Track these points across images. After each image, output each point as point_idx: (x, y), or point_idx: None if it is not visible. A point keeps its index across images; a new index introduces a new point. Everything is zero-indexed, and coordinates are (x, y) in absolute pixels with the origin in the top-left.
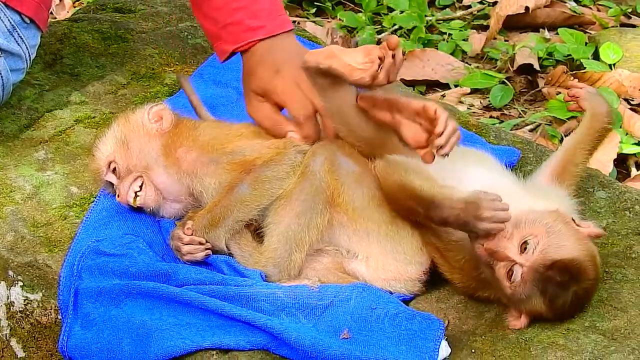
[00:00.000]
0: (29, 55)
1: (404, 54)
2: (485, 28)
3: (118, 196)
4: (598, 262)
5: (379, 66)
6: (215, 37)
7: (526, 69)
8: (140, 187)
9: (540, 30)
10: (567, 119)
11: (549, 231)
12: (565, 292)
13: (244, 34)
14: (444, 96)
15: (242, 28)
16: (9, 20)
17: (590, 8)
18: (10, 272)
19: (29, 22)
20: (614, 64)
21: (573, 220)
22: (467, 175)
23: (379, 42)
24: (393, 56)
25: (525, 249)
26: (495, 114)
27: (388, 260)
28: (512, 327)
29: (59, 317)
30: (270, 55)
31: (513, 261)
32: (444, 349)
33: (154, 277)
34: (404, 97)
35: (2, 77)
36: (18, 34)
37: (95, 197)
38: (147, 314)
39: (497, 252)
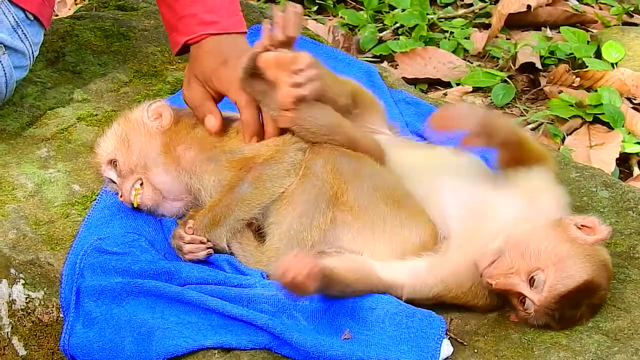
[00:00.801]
0: (33, 53)
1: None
2: (487, 26)
3: (121, 196)
4: (610, 266)
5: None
6: (171, 29)
7: (528, 67)
8: (140, 186)
9: (542, 28)
10: (569, 117)
11: (556, 262)
12: (579, 309)
13: (197, 26)
14: (446, 95)
15: (196, 21)
16: (13, 16)
17: (593, 6)
18: (12, 270)
19: (32, 19)
20: (616, 63)
21: (579, 226)
22: (446, 189)
23: (380, 41)
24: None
25: (534, 281)
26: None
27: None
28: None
29: (61, 315)
30: (219, 48)
31: (524, 296)
32: (446, 347)
33: (157, 276)
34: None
35: (5, 74)
36: (22, 31)
37: (97, 195)
38: (149, 313)
39: (508, 291)
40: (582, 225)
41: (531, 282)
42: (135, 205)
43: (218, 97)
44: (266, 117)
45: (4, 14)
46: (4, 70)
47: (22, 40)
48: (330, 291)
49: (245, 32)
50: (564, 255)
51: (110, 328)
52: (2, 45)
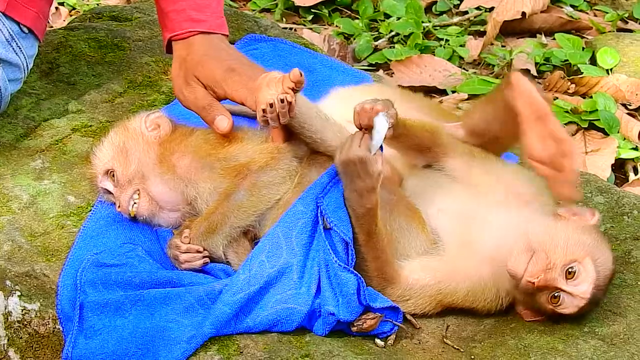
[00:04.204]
0: (27, 65)
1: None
2: (482, 34)
3: (119, 206)
4: None
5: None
6: (162, 25)
7: (523, 74)
8: (138, 196)
9: (537, 35)
10: (565, 124)
11: (589, 252)
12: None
13: (185, 22)
14: (442, 102)
15: (184, 17)
16: (7, 30)
17: (587, 13)
18: (8, 282)
19: (27, 31)
20: (611, 69)
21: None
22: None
23: (376, 49)
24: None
25: (571, 273)
26: None
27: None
28: (531, 320)
29: (57, 326)
30: (215, 51)
31: (562, 290)
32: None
33: (158, 285)
34: (554, 115)
35: (0, 87)
36: (16, 44)
37: (93, 206)
38: (151, 321)
39: (547, 287)
40: (573, 215)
41: (567, 275)
42: (132, 216)
43: (220, 100)
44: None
45: None
46: None
47: (16, 53)
48: None
49: (227, 36)
50: (590, 243)
51: (113, 340)
52: None
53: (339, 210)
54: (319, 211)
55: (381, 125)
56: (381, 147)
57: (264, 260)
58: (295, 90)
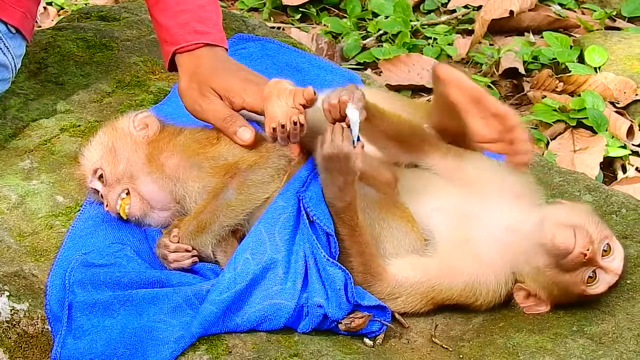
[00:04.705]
0: (15, 65)
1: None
2: (470, 32)
3: (106, 205)
4: None
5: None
6: (162, 40)
7: (511, 72)
8: (127, 195)
9: (525, 34)
10: (553, 122)
11: (610, 232)
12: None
13: (189, 35)
14: (430, 101)
15: (188, 30)
16: None
17: (575, 11)
18: None
19: (14, 32)
20: (599, 67)
21: None
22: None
23: (364, 48)
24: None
25: (607, 251)
26: None
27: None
28: (534, 312)
29: (46, 326)
30: (224, 63)
31: (599, 266)
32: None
33: (147, 285)
34: (489, 94)
35: None
36: (4, 44)
37: (81, 206)
38: (139, 321)
39: (592, 260)
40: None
41: (602, 251)
42: (123, 216)
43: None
44: None
45: None
46: None
47: (4, 54)
48: None
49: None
50: (602, 222)
51: (102, 340)
52: None
53: (321, 203)
54: (302, 205)
55: (353, 115)
56: (359, 138)
57: (248, 257)
58: (305, 107)
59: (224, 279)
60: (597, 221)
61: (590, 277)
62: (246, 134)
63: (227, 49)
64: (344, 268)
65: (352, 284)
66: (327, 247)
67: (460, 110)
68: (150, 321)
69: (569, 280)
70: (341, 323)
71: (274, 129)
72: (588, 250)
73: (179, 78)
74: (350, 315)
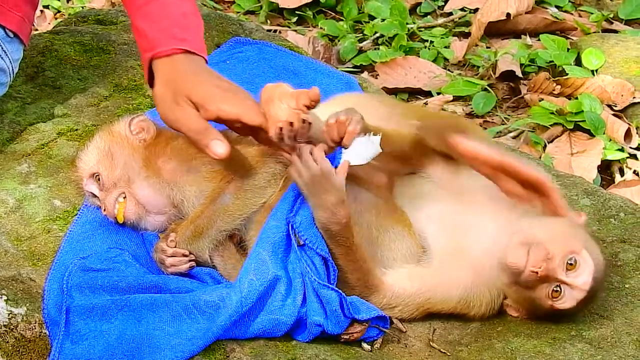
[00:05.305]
0: (13, 69)
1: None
2: (467, 35)
3: (104, 209)
4: None
5: (288, 129)
6: (142, 48)
7: (508, 75)
8: (124, 199)
9: (522, 36)
10: (550, 125)
11: (586, 245)
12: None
13: (169, 40)
14: (427, 104)
15: (167, 35)
16: None
17: (572, 14)
18: None
19: (12, 36)
20: (596, 70)
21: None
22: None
23: (360, 51)
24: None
25: (572, 264)
26: (478, 121)
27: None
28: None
29: (43, 331)
30: (203, 71)
31: (562, 282)
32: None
33: (145, 290)
34: (516, 160)
35: None
36: (2, 48)
37: (79, 210)
38: (137, 327)
39: (548, 277)
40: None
41: (567, 266)
42: (119, 220)
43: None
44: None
45: None
46: None
47: (2, 58)
48: None
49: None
50: (584, 238)
51: (99, 345)
52: None
53: (312, 227)
54: (291, 229)
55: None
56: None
57: (252, 279)
58: (309, 108)
59: (231, 302)
60: (569, 234)
61: (555, 291)
62: (219, 147)
63: (206, 60)
64: (338, 290)
65: (347, 301)
66: (323, 269)
67: (489, 176)
68: (149, 328)
69: (535, 296)
70: (341, 337)
71: (281, 128)
72: (540, 268)
73: (154, 84)
74: (349, 329)
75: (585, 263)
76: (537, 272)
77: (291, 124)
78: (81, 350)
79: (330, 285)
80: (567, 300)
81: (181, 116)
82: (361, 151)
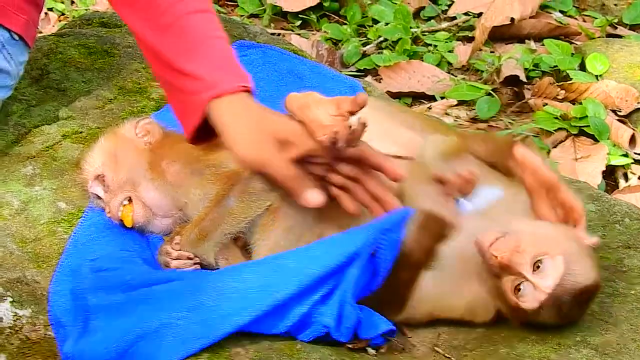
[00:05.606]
0: (17, 72)
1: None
2: (471, 39)
3: (108, 212)
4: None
5: (337, 133)
6: (189, 92)
7: (512, 80)
8: (129, 202)
9: (526, 41)
10: (555, 130)
11: (565, 254)
12: (580, 310)
13: (231, 77)
14: (430, 108)
15: (227, 73)
16: None
17: (576, 19)
18: (0, 288)
19: (17, 38)
20: (600, 75)
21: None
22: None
23: (364, 54)
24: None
25: (539, 267)
26: (482, 125)
27: None
28: None
29: (48, 333)
30: (268, 109)
31: (525, 279)
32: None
33: (159, 283)
34: (563, 182)
35: None
36: (7, 51)
37: (84, 212)
38: (155, 318)
39: (510, 267)
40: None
41: (535, 266)
42: (127, 224)
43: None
44: None
45: None
46: None
47: (7, 61)
48: None
49: None
50: (573, 251)
51: (114, 338)
52: None
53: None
54: (373, 243)
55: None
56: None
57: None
58: (352, 114)
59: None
60: (554, 239)
61: (517, 286)
62: (316, 197)
63: None
64: (359, 309)
65: (362, 323)
66: (364, 282)
67: (531, 193)
68: (170, 317)
69: (502, 288)
70: (347, 345)
71: (336, 132)
72: (501, 254)
73: (222, 125)
74: (354, 341)
75: (555, 268)
76: (496, 257)
77: (350, 126)
78: (96, 339)
79: (356, 305)
80: (529, 300)
81: (269, 160)
82: (481, 198)
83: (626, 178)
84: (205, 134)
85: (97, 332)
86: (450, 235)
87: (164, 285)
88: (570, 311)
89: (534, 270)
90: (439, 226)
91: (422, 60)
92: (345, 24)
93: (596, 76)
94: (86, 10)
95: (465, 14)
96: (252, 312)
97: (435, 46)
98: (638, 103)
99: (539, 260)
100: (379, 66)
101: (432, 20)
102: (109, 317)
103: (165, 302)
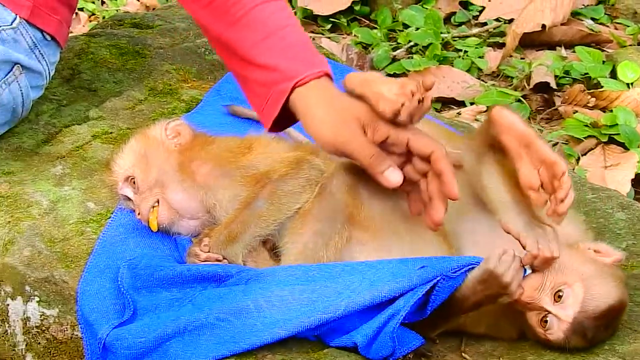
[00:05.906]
0: (49, 72)
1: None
2: (501, 45)
3: (138, 214)
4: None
5: (403, 105)
6: (267, 83)
7: (543, 87)
8: (157, 204)
9: (557, 48)
10: (584, 137)
11: (584, 279)
12: (607, 331)
13: (309, 65)
14: (460, 114)
15: (305, 61)
16: (30, 37)
17: (608, 26)
18: (27, 288)
19: (50, 39)
20: (631, 83)
21: (595, 251)
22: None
23: (394, 59)
24: (421, 100)
25: (560, 297)
26: None
27: None
28: None
29: (75, 333)
30: (338, 91)
31: (548, 312)
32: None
33: (203, 279)
34: (541, 139)
35: (22, 94)
36: (39, 51)
37: (112, 213)
38: (195, 314)
39: (531, 305)
40: (594, 250)
41: (556, 296)
42: (153, 228)
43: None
44: None
45: (22, 34)
46: (21, 90)
47: (39, 61)
48: None
49: None
50: (591, 273)
51: (156, 327)
52: (19, 66)
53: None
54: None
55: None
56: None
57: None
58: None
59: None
60: (569, 264)
61: (543, 320)
62: (395, 176)
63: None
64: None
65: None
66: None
67: (512, 155)
68: (212, 318)
69: (529, 322)
70: None
71: (402, 104)
72: (523, 293)
73: (305, 111)
74: None
75: (575, 296)
76: (520, 297)
77: (413, 94)
78: (136, 331)
79: (393, 336)
80: (555, 332)
81: (352, 139)
82: None
83: None
84: (283, 120)
85: (137, 323)
86: (504, 301)
87: (210, 284)
88: (596, 334)
89: (555, 301)
90: (498, 288)
91: (452, 66)
92: (376, 28)
93: (627, 84)
94: (117, 10)
95: (496, 19)
96: (295, 327)
97: (466, 52)
98: None
99: (559, 290)
100: (409, 71)
101: (462, 26)
102: (152, 312)
103: (210, 302)
